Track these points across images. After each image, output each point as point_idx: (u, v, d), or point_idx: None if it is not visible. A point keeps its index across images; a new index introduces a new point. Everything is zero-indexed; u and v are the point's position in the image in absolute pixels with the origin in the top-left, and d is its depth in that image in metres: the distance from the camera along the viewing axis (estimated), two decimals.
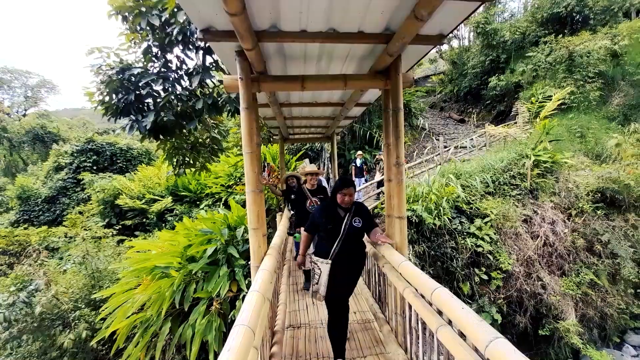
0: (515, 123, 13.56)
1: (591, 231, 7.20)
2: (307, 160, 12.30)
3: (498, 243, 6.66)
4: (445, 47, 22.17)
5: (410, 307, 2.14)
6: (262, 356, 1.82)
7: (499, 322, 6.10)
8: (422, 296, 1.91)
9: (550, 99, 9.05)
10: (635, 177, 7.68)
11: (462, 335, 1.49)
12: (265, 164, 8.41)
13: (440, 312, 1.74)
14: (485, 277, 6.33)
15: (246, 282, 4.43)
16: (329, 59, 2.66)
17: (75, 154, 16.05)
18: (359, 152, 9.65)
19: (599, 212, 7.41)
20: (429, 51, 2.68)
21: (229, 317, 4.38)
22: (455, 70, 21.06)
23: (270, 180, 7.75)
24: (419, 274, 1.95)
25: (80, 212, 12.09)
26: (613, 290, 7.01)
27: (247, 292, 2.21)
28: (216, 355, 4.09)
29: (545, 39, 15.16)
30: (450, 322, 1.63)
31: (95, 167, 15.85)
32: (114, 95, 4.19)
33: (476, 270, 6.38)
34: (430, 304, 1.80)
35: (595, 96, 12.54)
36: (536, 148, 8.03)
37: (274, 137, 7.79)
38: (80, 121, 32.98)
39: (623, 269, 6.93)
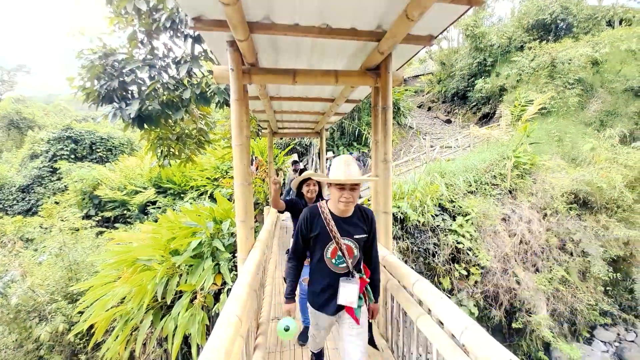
0: (499, 125, 13.99)
1: (564, 230, 7.58)
2: (295, 155, 12.25)
3: (478, 240, 6.90)
4: (435, 47, 22.49)
5: (392, 298, 2.21)
6: (248, 346, 1.84)
7: (476, 315, 6.36)
8: (404, 287, 1.98)
9: (532, 103, 9.38)
10: (608, 181, 8.09)
11: (440, 324, 1.56)
12: (253, 158, 8.34)
13: (420, 303, 1.81)
14: (464, 272, 6.57)
15: (231, 275, 4.42)
16: (321, 54, 2.66)
17: (52, 142, 15.33)
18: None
19: (572, 212, 7.80)
20: (419, 51, 2.74)
21: (213, 310, 4.37)
22: (444, 71, 21.44)
23: (258, 173, 7.66)
24: (402, 267, 2.03)
25: (56, 202, 11.62)
26: (583, 287, 7.41)
27: (232, 285, 2.21)
28: (199, 348, 4.08)
29: (530, 45, 15.64)
30: (429, 312, 1.71)
31: (73, 156, 15.22)
32: (95, 81, 4.04)
33: (456, 265, 6.61)
34: (412, 295, 1.87)
35: (574, 102, 13.08)
36: (517, 150, 8.33)
37: (263, 130, 7.73)
38: (56, 107, 31.40)
39: (593, 267, 7.33)
